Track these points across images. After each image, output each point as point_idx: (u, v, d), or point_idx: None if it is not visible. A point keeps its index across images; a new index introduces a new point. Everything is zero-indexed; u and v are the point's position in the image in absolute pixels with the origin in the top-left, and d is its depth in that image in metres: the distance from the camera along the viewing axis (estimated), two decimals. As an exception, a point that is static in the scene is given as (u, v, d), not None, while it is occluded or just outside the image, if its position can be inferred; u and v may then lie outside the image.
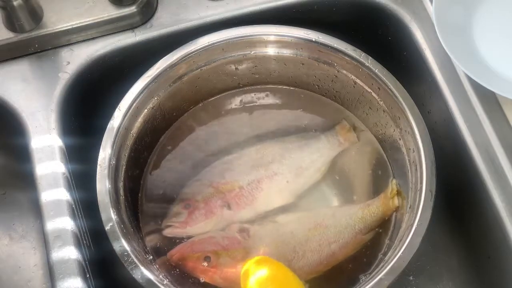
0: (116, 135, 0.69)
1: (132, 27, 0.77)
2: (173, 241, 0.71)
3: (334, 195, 0.75)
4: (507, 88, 0.66)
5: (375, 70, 0.71)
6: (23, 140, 0.71)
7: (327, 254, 0.69)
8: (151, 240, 0.71)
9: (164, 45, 0.75)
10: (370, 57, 0.72)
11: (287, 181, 0.74)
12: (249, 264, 0.64)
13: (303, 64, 0.76)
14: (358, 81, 0.74)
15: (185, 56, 0.73)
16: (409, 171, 0.69)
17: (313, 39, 0.73)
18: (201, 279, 0.68)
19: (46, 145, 0.69)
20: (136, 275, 0.61)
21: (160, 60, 0.72)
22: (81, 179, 0.70)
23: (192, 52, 0.73)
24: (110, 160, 0.67)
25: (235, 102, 0.81)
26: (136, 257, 0.62)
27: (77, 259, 0.63)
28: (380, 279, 0.60)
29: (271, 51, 0.76)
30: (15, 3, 0.71)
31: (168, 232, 0.71)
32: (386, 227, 0.72)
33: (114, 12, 0.75)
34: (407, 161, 0.70)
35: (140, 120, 0.73)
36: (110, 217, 0.64)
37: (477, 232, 0.73)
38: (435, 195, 0.64)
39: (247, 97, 0.81)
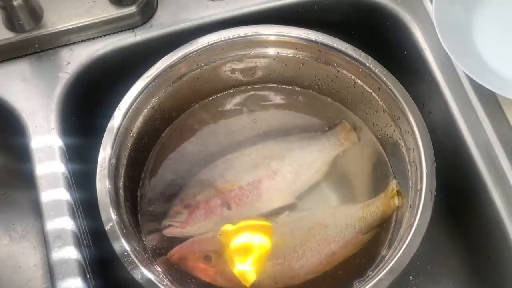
0: (116, 135, 0.69)
1: (132, 27, 0.77)
2: (173, 241, 0.71)
3: (334, 195, 0.75)
4: (507, 88, 0.66)
5: (375, 70, 0.71)
6: (23, 140, 0.70)
7: (327, 254, 0.69)
8: (151, 240, 0.71)
9: (164, 45, 0.75)
10: (370, 57, 0.72)
11: (287, 181, 0.74)
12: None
13: (303, 64, 0.76)
14: (358, 81, 0.74)
15: (185, 56, 0.73)
16: (409, 171, 0.69)
17: (313, 39, 0.73)
18: (201, 279, 0.68)
19: (46, 145, 0.69)
20: (136, 275, 0.61)
21: (160, 60, 0.72)
22: (81, 179, 0.70)
23: (192, 52, 0.73)
24: (110, 160, 0.67)
25: (235, 102, 0.81)
26: (136, 257, 0.62)
27: (77, 259, 0.63)
28: (380, 279, 0.60)
29: (271, 51, 0.76)
30: (15, 3, 0.71)
31: (168, 232, 0.71)
32: (386, 227, 0.72)
33: (114, 12, 0.75)
34: (407, 161, 0.70)
35: (140, 120, 0.73)
36: (110, 217, 0.64)
37: (477, 232, 0.73)
38: (435, 195, 0.64)
39: (247, 97, 0.81)
